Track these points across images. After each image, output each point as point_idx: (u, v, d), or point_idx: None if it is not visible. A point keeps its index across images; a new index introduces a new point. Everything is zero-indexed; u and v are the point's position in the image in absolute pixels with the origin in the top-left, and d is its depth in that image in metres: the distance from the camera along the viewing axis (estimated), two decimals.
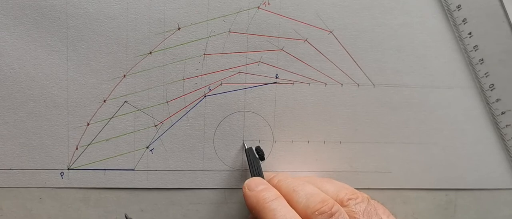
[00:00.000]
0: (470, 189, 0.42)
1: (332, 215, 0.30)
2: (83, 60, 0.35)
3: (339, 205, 0.32)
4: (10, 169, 0.36)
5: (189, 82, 0.37)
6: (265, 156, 0.38)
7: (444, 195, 0.42)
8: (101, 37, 0.35)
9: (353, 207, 0.32)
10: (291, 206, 0.32)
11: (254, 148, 0.38)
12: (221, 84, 0.37)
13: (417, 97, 0.40)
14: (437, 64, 0.40)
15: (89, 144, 0.37)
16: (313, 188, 0.33)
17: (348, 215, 0.31)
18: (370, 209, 0.32)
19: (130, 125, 0.37)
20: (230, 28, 0.37)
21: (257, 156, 0.37)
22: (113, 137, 0.37)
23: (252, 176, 0.36)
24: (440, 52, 0.39)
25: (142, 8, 0.35)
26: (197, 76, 0.37)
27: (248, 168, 0.37)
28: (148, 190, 0.38)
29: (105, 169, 0.37)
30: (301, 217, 0.31)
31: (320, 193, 0.32)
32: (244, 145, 0.38)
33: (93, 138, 0.37)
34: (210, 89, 0.37)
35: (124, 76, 0.36)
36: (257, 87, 0.38)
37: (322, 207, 0.31)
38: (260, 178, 0.35)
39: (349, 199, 0.32)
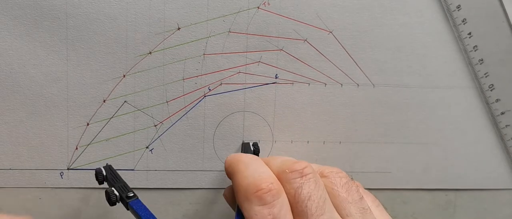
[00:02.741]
0: (470, 189, 0.42)
1: (303, 175, 0.29)
2: (83, 60, 0.35)
3: (313, 169, 0.30)
4: (10, 169, 0.36)
5: (189, 82, 0.37)
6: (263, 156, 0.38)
7: (443, 195, 0.42)
8: (101, 37, 0.35)
9: (333, 179, 0.30)
10: None
11: (251, 144, 0.37)
12: (221, 84, 0.37)
13: (417, 97, 0.40)
14: (437, 64, 0.40)
15: (88, 144, 0.37)
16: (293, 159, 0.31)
17: (326, 185, 0.30)
18: (351, 185, 0.30)
19: (130, 125, 0.37)
20: (229, 28, 0.37)
21: (252, 149, 0.37)
22: (113, 137, 0.37)
23: None
24: (440, 52, 0.39)
25: (142, 8, 0.35)
26: (196, 76, 0.37)
27: None
28: (148, 190, 0.38)
29: None
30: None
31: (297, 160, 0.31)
32: (243, 142, 0.38)
33: (93, 138, 0.37)
34: (210, 89, 0.37)
35: (124, 76, 0.36)
36: (257, 87, 0.38)
37: (294, 165, 0.29)
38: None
39: (331, 171, 0.31)
